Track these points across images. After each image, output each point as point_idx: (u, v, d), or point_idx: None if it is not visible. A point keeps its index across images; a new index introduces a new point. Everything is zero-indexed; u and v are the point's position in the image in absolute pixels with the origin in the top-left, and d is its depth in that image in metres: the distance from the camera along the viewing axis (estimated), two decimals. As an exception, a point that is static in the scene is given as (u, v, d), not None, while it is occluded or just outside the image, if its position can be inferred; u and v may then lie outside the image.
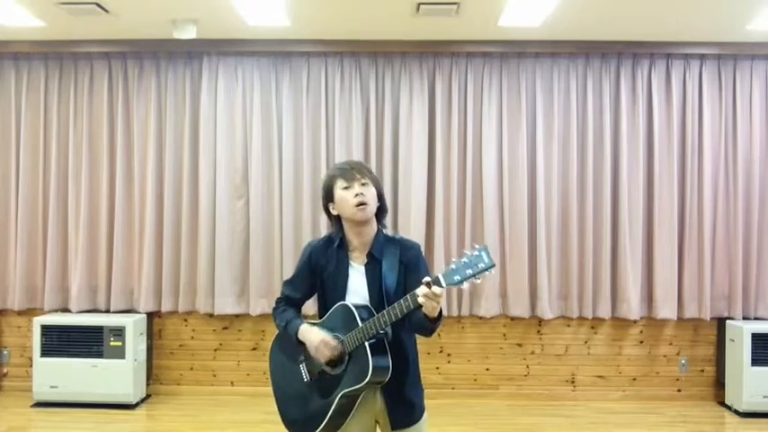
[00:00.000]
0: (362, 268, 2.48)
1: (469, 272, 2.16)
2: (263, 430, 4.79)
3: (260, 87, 5.51)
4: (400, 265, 2.46)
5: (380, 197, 2.51)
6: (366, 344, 2.32)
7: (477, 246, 2.21)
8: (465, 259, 2.18)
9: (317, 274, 2.55)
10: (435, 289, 2.17)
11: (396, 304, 2.28)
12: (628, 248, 5.41)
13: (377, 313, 2.34)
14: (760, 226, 5.46)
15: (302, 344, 2.49)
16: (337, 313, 2.44)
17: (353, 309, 2.39)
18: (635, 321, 5.52)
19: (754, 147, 5.46)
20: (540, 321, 5.55)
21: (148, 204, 5.47)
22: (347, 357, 2.39)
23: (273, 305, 2.69)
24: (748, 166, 5.46)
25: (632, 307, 5.41)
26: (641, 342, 5.60)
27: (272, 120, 5.51)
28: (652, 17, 4.74)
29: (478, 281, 2.19)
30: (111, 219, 5.51)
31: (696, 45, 5.36)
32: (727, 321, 5.43)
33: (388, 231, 2.59)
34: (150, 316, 5.56)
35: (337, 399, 2.39)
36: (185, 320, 5.64)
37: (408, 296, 2.25)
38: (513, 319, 5.55)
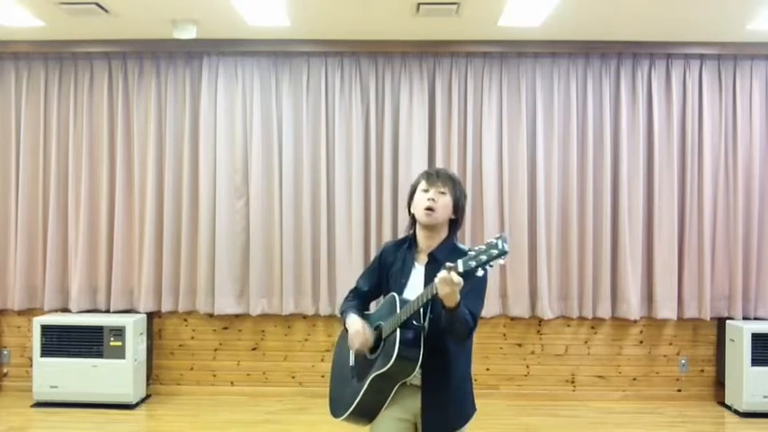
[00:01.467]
0: (423, 268, 2.55)
1: (483, 258, 2.19)
2: (263, 430, 4.80)
3: (260, 87, 5.51)
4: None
5: (457, 209, 2.57)
6: (398, 330, 2.38)
7: (498, 234, 2.25)
8: (483, 246, 2.21)
9: (384, 271, 2.67)
10: (453, 275, 2.19)
11: (421, 292, 2.35)
12: (628, 248, 5.42)
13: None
14: (760, 226, 5.47)
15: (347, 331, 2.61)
16: (386, 303, 2.54)
17: (398, 299, 2.47)
18: (635, 321, 5.52)
19: (754, 147, 5.46)
20: (540, 321, 5.55)
21: (148, 204, 5.47)
22: (383, 342, 2.47)
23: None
24: (748, 166, 5.46)
25: (632, 307, 5.41)
26: (641, 342, 5.60)
27: (272, 120, 5.51)
28: (652, 17, 4.74)
29: (491, 267, 2.20)
30: (111, 219, 5.51)
31: (696, 45, 5.36)
32: (727, 321, 5.43)
33: (462, 244, 2.62)
34: (150, 316, 5.56)
35: (368, 381, 2.45)
36: (185, 320, 5.65)
37: (431, 284, 2.29)
38: (513, 319, 5.55)
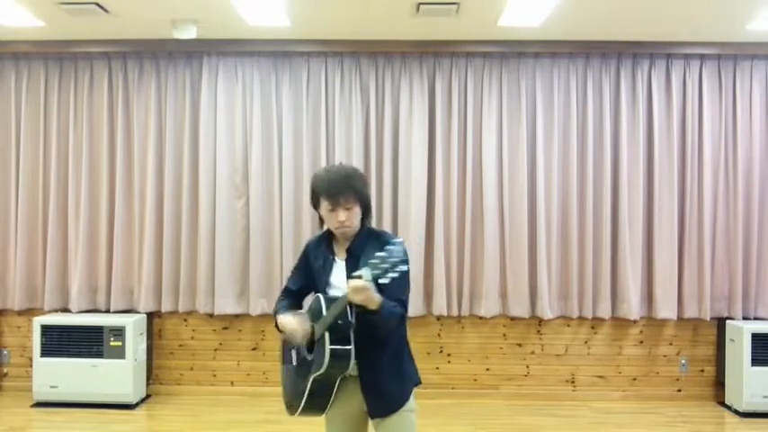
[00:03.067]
0: (343, 263, 2.61)
1: (387, 265, 2.24)
2: (263, 430, 4.80)
3: (260, 87, 5.51)
4: None
5: (365, 205, 2.60)
6: (326, 332, 2.43)
7: (396, 239, 2.33)
8: (385, 253, 2.25)
9: (310, 269, 2.72)
10: (357, 282, 2.27)
11: (339, 297, 2.41)
12: (628, 248, 5.41)
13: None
14: (760, 226, 5.46)
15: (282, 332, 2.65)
16: (313, 304, 2.58)
17: (322, 300, 2.53)
18: (635, 321, 5.52)
19: (754, 147, 5.46)
20: (540, 321, 5.55)
21: (148, 204, 5.47)
22: (316, 344, 2.52)
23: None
24: (748, 166, 5.46)
25: (632, 307, 5.41)
26: (641, 342, 5.60)
27: (272, 119, 5.51)
28: (652, 17, 4.74)
29: (396, 275, 2.25)
30: (111, 219, 5.51)
31: (696, 45, 5.36)
32: (728, 321, 5.43)
33: (376, 227, 2.67)
34: (150, 316, 5.56)
35: (310, 382, 2.52)
36: (185, 320, 5.64)
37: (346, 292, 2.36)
38: (513, 319, 5.55)
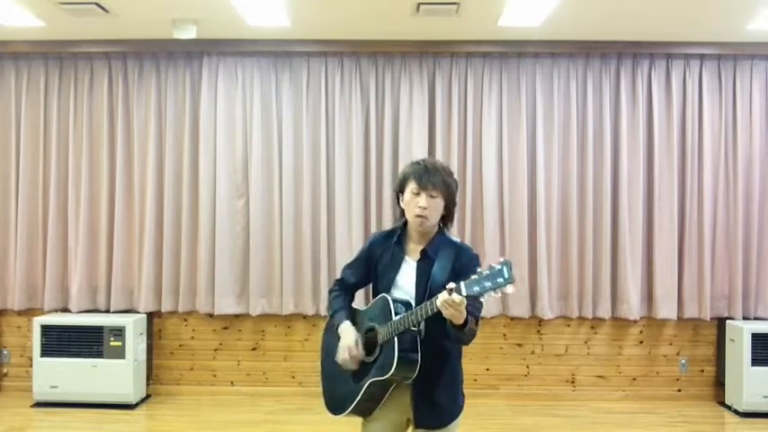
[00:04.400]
0: (414, 264, 2.52)
1: (488, 284, 2.16)
2: (263, 430, 4.80)
3: (260, 87, 5.51)
4: (452, 268, 2.46)
5: (449, 207, 2.52)
6: (395, 338, 2.36)
7: (501, 259, 2.19)
8: (487, 271, 2.17)
9: (373, 264, 2.62)
10: (455, 297, 2.16)
11: (422, 305, 2.32)
12: (628, 248, 5.42)
13: None
14: (760, 226, 5.46)
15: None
16: (377, 304, 2.51)
17: (391, 302, 2.44)
18: (635, 321, 5.52)
19: (754, 147, 5.46)
20: (540, 321, 5.55)
21: (148, 204, 5.47)
22: (379, 348, 2.45)
23: (330, 286, 2.79)
24: (748, 166, 5.46)
25: (632, 307, 5.41)
26: (641, 342, 5.60)
27: (272, 119, 5.51)
28: (652, 17, 4.74)
29: (498, 295, 2.16)
30: (111, 219, 5.51)
31: (696, 45, 5.36)
32: (728, 321, 5.43)
33: (452, 235, 2.59)
34: (150, 316, 5.56)
35: (366, 386, 2.45)
36: (185, 320, 5.64)
37: (432, 300, 2.27)
38: (513, 319, 5.55)
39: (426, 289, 2.44)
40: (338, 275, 2.79)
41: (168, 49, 5.45)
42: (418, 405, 2.47)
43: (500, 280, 2.14)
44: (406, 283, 2.51)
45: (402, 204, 2.55)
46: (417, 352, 2.38)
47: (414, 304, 2.43)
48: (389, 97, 5.48)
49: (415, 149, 5.41)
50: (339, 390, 2.61)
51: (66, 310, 5.52)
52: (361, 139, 5.47)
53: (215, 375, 5.64)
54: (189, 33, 4.85)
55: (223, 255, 5.46)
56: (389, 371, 2.36)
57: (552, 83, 5.48)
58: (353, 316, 2.64)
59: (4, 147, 5.58)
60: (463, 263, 2.47)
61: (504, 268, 2.15)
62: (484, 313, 5.63)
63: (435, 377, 2.46)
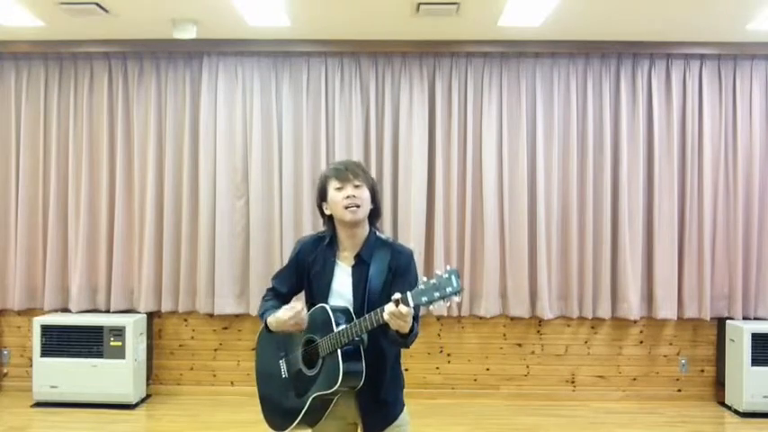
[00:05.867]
0: (349, 269, 2.46)
1: (437, 294, 2.12)
2: (263, 430, 4.78)
3: (260, 87, 5.51)
4: (389, 270, 2.42)
5: (375, 200, 2.48)
6: (339, 350, 2.30)
7: (448, 267, 2.17)
8: (434, 280, 2.14)
9: (304, 271, 2.54)
10: (402, 308, 2.13)
11: (366, 317, 2.27)
12: (628, 248, 5.41)
13: (356, 318, 2.33)
14: (760, 226, 5.46)
15: (271, 332, 2.49)
16: (315, 315, 2.42)
17: (330, 313, 2.36)
18: (635, 321, 5.52)
19: (754, 147, 5.46)
20: (540, 321, 5.55)
21: (148, 204, 5.47)
22: (321, 360, 2.38)
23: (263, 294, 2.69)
24: (748, 166, 5.46)
25: (632, 307, 5.41)
26: (641, 342, 5.60)
27: (272, 119, 5.51)
28: (652, 17, 4.74)
29: (446, 304, 2.14)
30: (111, 219, 5.51)
31: (696, 45, 5.36)
32: (727, 321, 5.43)
33: (383, 234, 2.55)
34: (150, 316, 5.56)
35: (310, 400, 2.39)
36: (185, 320, 5.65)
37: (376, 311, 2.23)
38: (513, 319, 5.55)
39: (365, 294, 2.39)
40: (269, 285, 2.67)
41: (168, 49, 5.45)
42: (364, 408, 2.43)
43: (449, 290, 2.11)
44: (342, 289, 2.44)
45: (327, 209, 2.48)
46: (361, 362, 2.33)
47: (352, 310, 2.38)
48: (389, 97, 5.48)
49: (414, 149, 5.41)
50: (280, 406, 2.53)
51: (66, 310, 5.52)
52: (361, 140, 5.47)
53: (215, 375, 5.64)
54: (189, 33, 4.85)
55: (223, 255, 5.46)
56: (335, 385, 2.30)
57: (552, 83, 5.48)
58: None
59: (4, 147, 5.58)
60: (400, 263, 2.43)
61: (453, 277, 2.12)
62: (484, 313, 5.67)
63: (378, 378, 2.42)
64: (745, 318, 5.44)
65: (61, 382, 5.21)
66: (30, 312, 5.56)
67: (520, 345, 5.61)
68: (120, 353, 5.20)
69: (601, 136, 5.46)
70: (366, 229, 2.49)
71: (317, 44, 5.39)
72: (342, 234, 2.49)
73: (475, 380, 5.57)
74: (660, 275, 5.42)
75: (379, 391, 2.43)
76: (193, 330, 5.65)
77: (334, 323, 2.34)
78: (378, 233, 2.52)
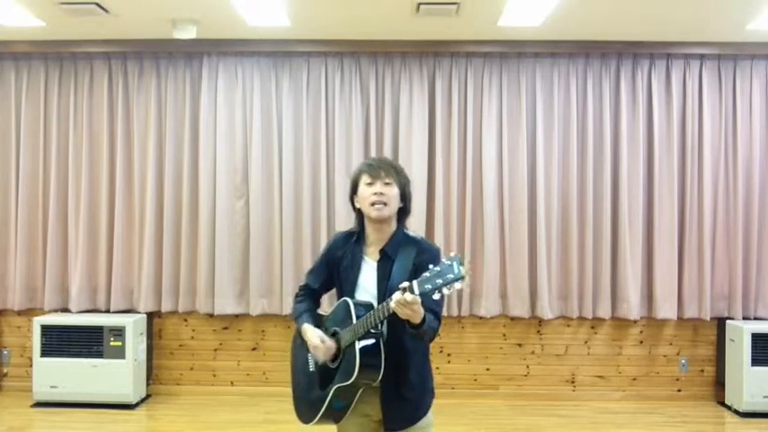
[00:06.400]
0: (375, 264, 2.49)
1: (439, 281, 2.12)
2: (263, 430, 4.80)
3: (260, 87, 5.51)
4: (413, 266, 2.43)
5: (404, 198, 2.51)
6: (357, 342, 2.34)
7: (452, 254, 2.18)
8: (438, 268, 2.15)
9: (334, 266, 2.60)
10: (407, 296, 2.14)
11: (377, 308, 2.30)
12: (628, 248, 5.41)
13: None
14: (760, 226, 5.46)
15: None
16: (339, 308, 2.48)
17: (351, 306, 2.41)
18: (635, 321, 5.52)
19: (754, 147, 5.46)
20: (540, 321, 5.55)
21: (148, 204, 5.47)
22: (342, 353, 2.43)
23: (296, 291, 2.76)
24: (748, 166, 5.46)
25: (632, 307, 5.41)
26: (641, 342, 5.60)
27: (272, 119, 5.51)
28: (652, 17, 4.74)
29: (448, 291, 2.13)
30: (112, 219, 5.51)
31: (696, 45, 5.36)
32: (728, 321, 5.43)
33: (411, 232, 2.57)
34: (150, 316, 5.56)
35: (332, 392, 2.43)
36: (185, 320, 5.65)
37: (387, 300, 2.25)
38: (513, 319, 5.55)
39: (387, 289, 2.41)
40: (302, 281, 2.75)
41: (168, 49, 5.45)
42: (386, 405, 2.46)
43: (450, 276, 2.11)
44: (368, 284, 2.48)
45: (358, 203, 2.53)
46: (380, 355, 2.34)
47: (376, 306, 2.39)
48: (389, 97, 5.48)
49: (414, 149, 5.41)
50: (307, 398, 2.59)
51: (66, 310, 5.52)
52: (361, 140, 5.47)
53: (215, 375, 5.64)
54: (189, 33, 4.85)
55: (223, 255, 5.46)
56: (352, 376, 2.33)
57: (552, 83, 5.48)
58: (319, 321, 2.59)
59: (4, 147, 5.58)
60: (424, 260, 2.42)
61: (455, 264, 2.12)
62: (483, 313, 5.66)
63: (402, 376, 2.44)
64: (745, 318, 5.44)
65: (61, 382, 5.20)
66: (30, 312, 5.56)
67: (520, 345, 5.61)
68: (120, 353, 5.20)
69: (601, 136, 5.46)
70: (393, 225, 2.52)
71: (317, 44, 5.39)
72: (369, 229, 2.53)
73: (475, 380, 5.57)
74: (660, 275, 5.42)
75: (401, 387, 2.45)
76: (193, 330, 5.65)
77: (354, 315, 2.38)
78: (405, 230, 2.55)
